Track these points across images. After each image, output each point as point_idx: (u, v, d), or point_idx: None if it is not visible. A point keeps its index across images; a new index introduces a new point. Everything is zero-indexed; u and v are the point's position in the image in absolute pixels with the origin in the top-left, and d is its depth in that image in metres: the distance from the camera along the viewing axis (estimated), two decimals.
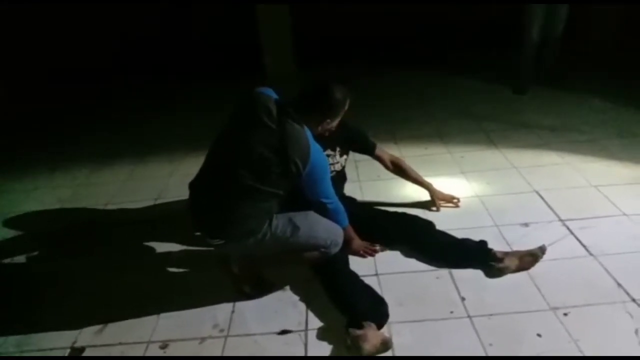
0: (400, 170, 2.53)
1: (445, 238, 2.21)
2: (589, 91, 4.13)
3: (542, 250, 2.08)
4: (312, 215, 1.97)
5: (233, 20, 5.81)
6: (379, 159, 2.49)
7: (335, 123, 1.96)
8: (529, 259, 2.06)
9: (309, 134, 1.82)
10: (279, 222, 1.89)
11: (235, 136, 1.84)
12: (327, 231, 1.98)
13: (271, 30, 5.00)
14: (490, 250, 2.09)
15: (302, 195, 1.92)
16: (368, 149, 2.45)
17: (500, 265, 2.02)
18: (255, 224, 1.84)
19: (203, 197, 1.91)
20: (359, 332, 1.67)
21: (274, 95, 1.88)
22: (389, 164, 2.51)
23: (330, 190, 1.97)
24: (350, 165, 2.86)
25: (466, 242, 2.16)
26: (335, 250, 2.01)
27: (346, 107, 1.94)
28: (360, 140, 2.42)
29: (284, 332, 1.84)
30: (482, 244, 2.14)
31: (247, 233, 1.84)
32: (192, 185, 1.97)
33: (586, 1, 4.41)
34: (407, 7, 5.64)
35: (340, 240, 2.03)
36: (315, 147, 1.81)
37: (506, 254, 2.07)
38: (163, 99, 5.11)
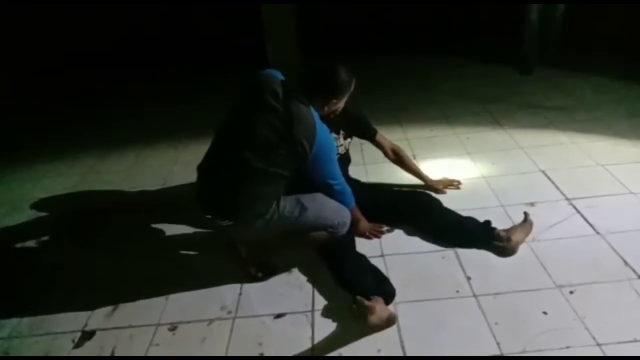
0: (399, 159, 2.52)
1: (450, 217, 2.21)
2: (596, 71, 4.07)
3: (527, 215, 2.17)
4: (320, 196, 1.97)
5: (234, 12, 5.76)
6: (379, 145, 2.48)
7: (341, 104, 1.96)
8: (528, 227, 2.12)
9: (315, 114, 1.81)
10: (287, 202, 1.90)
11: (241, 118, 1.84)
12: (335, 212, 1.99)
13: (275, 19, 4.94)
14: (494, 229, 2.10)
15: (307, 179, 1.92)
16: (368, 135, 2.45)
17: (511, 244, 2.04)
18: (263, 206, 1.85)
19: (211, 179, 1.91)
20: (367, 302, 1.67)
21: (280, 76, 1.87)
22: (389, 151, 2.49)
23: (337, 171, 1.97)
24: (355, 148, 2.86)
25: (470, 223, 2.17)
26: (343, 230, 2.01)
27: (352, 88, 1.93)
28: (361, 125, 2.41)
29: (279, 315, 1.86)
30: (486, 224, 2.14)
31: (255, 214, 1.85)
32: (200, 168, 1.97)
33: None
34: None
35: (348, 220, 2.04)
36: (321, 127, 1.81)
37: (509, 231, 2.07)
38: (164, 89, 5.10)
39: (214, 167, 1.90)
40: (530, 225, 2.14)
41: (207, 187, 1.92)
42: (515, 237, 2.04)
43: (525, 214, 2.18)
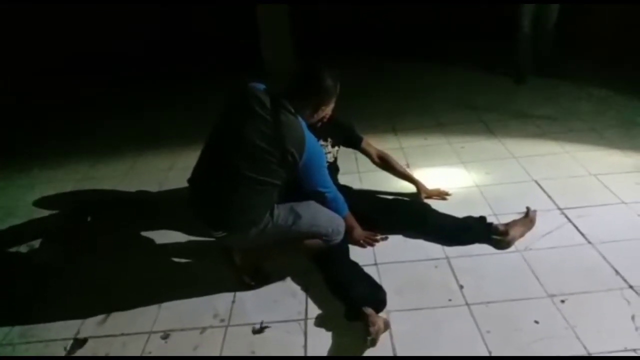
0: (387, 164, 2.55)
1: (447, 219, 2.26)
2: (589, 81, 4.11)
3: (529, 210, 2.27)
4: (314, 204, 1.98)
5: (231, 15, 5.80)
6: (365, 152, 2.51)
7: (329, 109, 1.97)
8: (528, 222, 2.21)
9: (303, 123, 1.83)
10: (281, 211, 1.91)
11: (230, 129, 1.84)
12: (329, 220, 2.00)
13: (270, 24, 4.98)
14: (491, 224, 2.17)
15: (300, 187, 1.93)
16: (354, 142, 2.47)
17: (508, 238, 2.12)
18: (256, 215, 1.85)
19: (203, 191, 1.92)
20: (370, 317, 1.66)
21: (263, 87, 1.89)
22: (375, 157, 2.52)
23: (328, 179, 1.98)
24: (349, 156, 2.88)
25: (468, 220, 2.24)
26: (338, 238, 2.02)
27: (337, 92, 1.94)
28: (347, 132, 2.43)
29: (261, 329, 1.84)
30: (482, 219, 2.22)
31: (248, 224, 1.85)
32: (191, 181, 1.98)
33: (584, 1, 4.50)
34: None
35: (342, 228, 2.05)
36: (310, 137, 1.83)
37: (508, 225, 2.16)
38: (161, 94, 5.11)
39: (205, 179, 1.91)
40: (531, 220, 2.22)
41: (200, 198, 1.93)
42: (513, 232, 2.12)
43: (528, 209, 2.27)
